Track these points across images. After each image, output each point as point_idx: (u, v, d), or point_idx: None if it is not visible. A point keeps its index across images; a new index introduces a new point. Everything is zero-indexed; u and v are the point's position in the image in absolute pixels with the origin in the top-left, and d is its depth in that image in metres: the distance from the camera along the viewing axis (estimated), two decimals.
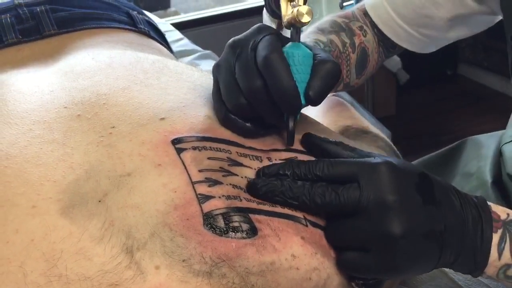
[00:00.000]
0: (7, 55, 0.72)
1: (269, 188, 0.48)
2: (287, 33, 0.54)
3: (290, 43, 0.52)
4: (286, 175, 0.49)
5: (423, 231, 0.46)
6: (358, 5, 0.85)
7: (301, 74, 0.50)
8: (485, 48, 2.85)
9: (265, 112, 0.51)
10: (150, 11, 1.79)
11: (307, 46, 0.53)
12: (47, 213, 0.43)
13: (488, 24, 0.84)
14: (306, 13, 0.50)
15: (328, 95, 0.56)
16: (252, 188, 0.48)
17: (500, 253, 0.49)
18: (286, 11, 0.53)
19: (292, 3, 0.53)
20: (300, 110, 0.52)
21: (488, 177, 0.84)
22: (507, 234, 0.50)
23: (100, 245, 0.42)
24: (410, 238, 0.45)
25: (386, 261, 0.46)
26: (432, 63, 2.87)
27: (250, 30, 0.53)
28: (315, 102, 0.50)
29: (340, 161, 0.49)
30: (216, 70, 0.54)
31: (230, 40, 0.53)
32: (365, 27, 0.81)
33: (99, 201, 0.44)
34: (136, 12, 0.86)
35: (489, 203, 0.51)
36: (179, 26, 1.95)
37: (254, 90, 0.49)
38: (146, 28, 0.84)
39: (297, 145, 0.55)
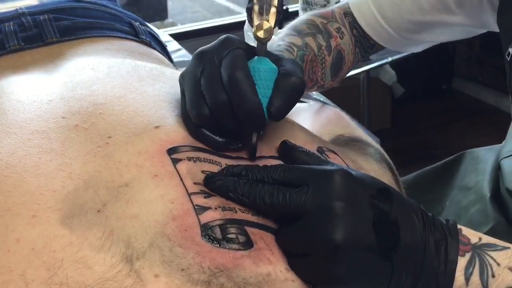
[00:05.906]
0: (9, 61, 0.72)
1: (224, 183, 0.48)
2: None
3: (255, 58, 0.52)
4: (248, 175, 0.49)
5: (367, 245, 0.44)
6: (339, 4, 0.84)
7: (266, 90, 0.51)
8: (480, 62, 2.87)
9: (228, 126, 0.51)
10: (148, 21, 1.78)
11: (274, 55, 0.54)
12: (47, 223, 0.43)
13: (470, 33, 0.84)
14: (264, 30, 0.51)
15: (332, 106, 0.56)
16: (208, 180, 0.48)
17: (467, 278, 0.47)
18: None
19: (261, 17, 0.53)
20: (264, 127, 0.52)
21: (486, 191, 0.84)
22: (477, 258, 0.47)
23: (100, 254, 0.42)
24: (352, 248, 0.44)
25: (326, 269, 0.45)
26: (427, 77, 2.90)
27: (216, 41, 0.52)
28: (276, 118, 0.51)
29: (297, 167, 0.49)
30: (181, 80, 0.54)
31: (197, 51, 0.53)
32: (342, 28, 0.80)
33: (98, 211, 0.45)
34: (138, 23, 0.87)
35: (461, 227, 0.49)
36: (177, 37, 1.95)
37: (219, 104, 0.49)
38: (147, 39, 0.84)
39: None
